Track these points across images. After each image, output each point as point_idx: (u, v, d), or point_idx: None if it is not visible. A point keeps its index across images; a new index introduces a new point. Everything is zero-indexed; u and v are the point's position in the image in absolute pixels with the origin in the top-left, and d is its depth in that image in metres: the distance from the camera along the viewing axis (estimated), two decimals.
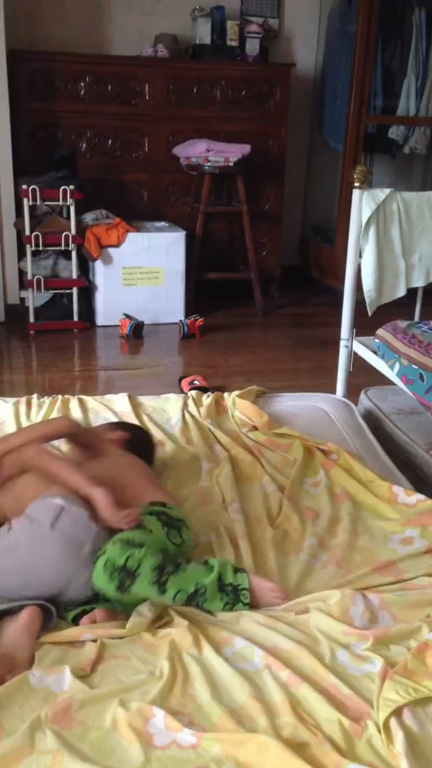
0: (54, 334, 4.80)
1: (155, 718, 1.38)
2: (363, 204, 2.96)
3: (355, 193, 2.99)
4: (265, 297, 5.44)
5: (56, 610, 1.68)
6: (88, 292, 5.07)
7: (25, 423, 2.65)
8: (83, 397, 2.87)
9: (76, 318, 4.94)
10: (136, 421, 2.64)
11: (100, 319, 5.00)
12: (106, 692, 1.45)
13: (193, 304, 5.13)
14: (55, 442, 2.27)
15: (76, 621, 1.68)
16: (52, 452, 2.05)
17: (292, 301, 5.71)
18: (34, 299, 4.85)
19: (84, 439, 2.16)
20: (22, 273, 5.06)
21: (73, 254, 4.84)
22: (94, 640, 1.60)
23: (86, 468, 1.97)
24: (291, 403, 2.93)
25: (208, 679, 1.49)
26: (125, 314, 4.88)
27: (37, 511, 1.77)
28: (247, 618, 1.68)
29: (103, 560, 1.67)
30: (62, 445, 2.30)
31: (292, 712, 1.40)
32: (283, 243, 5.85)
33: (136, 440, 2.29)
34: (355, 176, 2.96)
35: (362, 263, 3.03)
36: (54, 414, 2.72)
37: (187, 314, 5.01)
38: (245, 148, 5.16)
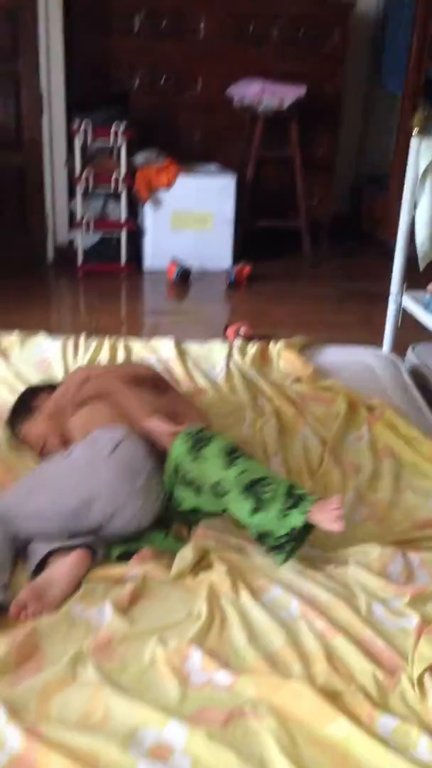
0: (102, 277, 4.81)
1: (192, 657, 1.43)
2: (421, 152, 2.87)
3: (414, 140, 2.89)
4: (314, 247, 5.35)
5: (101, 549, 1.73)
6: (136, 235, 5.05)
7: (72, 364, 2.69)
8: (129, 339, 2.88)
9: (123, 261, 4.94)
10: (180, 368, 2.66)
11: (148, 263, 4.99)
12: (145, 629, 1.50)
13: (241, 252, 5.08)
14: None
15: (119, 560, 1.73)
16: (124, 385, 2.12)
17: (342, 253, 5.60)
18: (82, 241, 4.85)
19: (157, 383, 2.25)
20: (71, 214, 5.05)
21: (123, 196, 4.81)
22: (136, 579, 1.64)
23: (156, 405, 2.03)
24: (336, 356, 2.91)
25: (245, 623, 1.53)
26: (173, 259, 4.86)
27: (99, 439, 1.85)
28: (286, 566, 1.70)
29: (185, 432, 1.80)
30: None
31: (327, 662, 1.43)
32: (335, 192, 5.71)
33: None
34: (414, 123, 2.86)
35: (416, 215, 2.95)
36: (102, 355, 2.74)
37: (235, 261, 4.96)
38: (300, 90, 5.01)
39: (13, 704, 1.29)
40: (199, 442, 1.76)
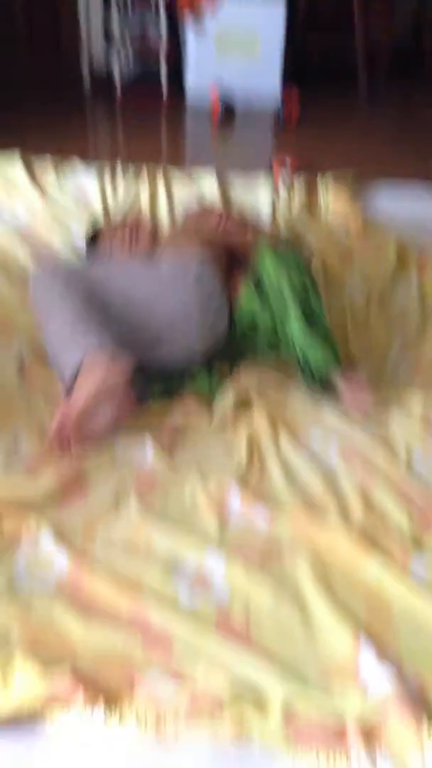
0: (141, 104, 4.54)
1: (232, 496, 1.46)
2: None
3: None
4: (370, 81, 4.95)
5: (147, 382, 1.73)
6: (178, 60, 4.71)
7: (109, 191, 2.57)
8: (169, 168, 2.74)
9: (164, 88, 4.63)
10: (220, 202, 2.54)
11: (191, 93, 4.68)
12: (186, 468, 1.52)
13: (291, 83, 4.73)
14: None
15: (161, 396, 1.73)
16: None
17: (401, 87, 5.18)
18: (120, 70, 4.53)
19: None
20: (108, 35, 4.70)
21: (162, 14, 4.43)
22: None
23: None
24: (389, 196, 2.75)
25: (284, 468, 1.55)
26: (217, 89, 4.54)
27: (189, 262, 1.87)
28: (327, 410, 1.69)
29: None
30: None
31: (363, 504, 1.45)
32: (397, 18, 5.21)
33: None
34: None
35: None
36: (139, 185, 2.62)
37: (284, 93, 4.63)
38: None
39: (60, 528, 1.34)
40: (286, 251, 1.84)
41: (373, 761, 0.99)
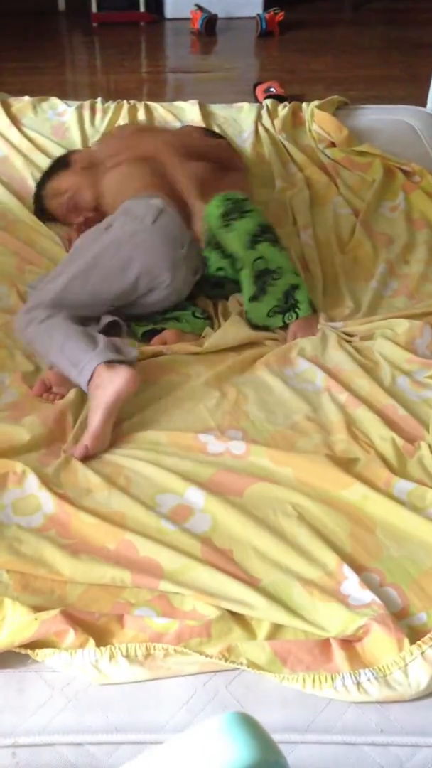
0: (119, 28, 4.37)
1: (209, 426, 1.47)
2: None
3: None
4: None
5: (128, 325, 1.73)
6: None
7: (89, 129, 2.51)
8: (150, 103, 2.67)
9: (142, 8, 4.44)
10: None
11: (169, 11, 4.49)
12: (154, 410, 1.51)
13: None
14: None
15: (145, 337, 1.73)
16: (175, 149, 2.04)
17: None
18: None
19: (217, 157, 2.13)
20: None
21: None
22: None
23: (193, 168, 1.98)
24: (375, 116, 2.67)
25: (264, 397, 1.54)
26: (197, 5, 4.35)
27: (136, 209, 1.79)
28: (313, 340, 1.69)
29: (222, 196, 1.78)
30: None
31: (347, 431, 1.46)
32: None
33: (229, 151, 2.25)
34: None
35: None
36: (120, 121, 2.56)
37: (266, 7, 4.43)
38: None
39: (42, 473, 1.36)
40: (233, 212, 1.74)
41: (358, 682, 1.03)
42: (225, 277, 1.81)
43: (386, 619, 1.08)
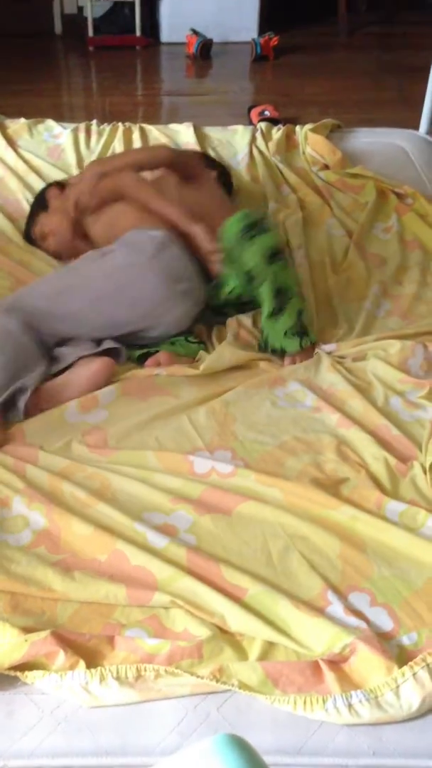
0: (115, 52, 4.42)
1: (198, 446, 1.46)
2: None
3: None
4: (349, 12, 4.80)
5: (124, 354, 1.73)
6: (152, 1, 4.56)
7: (84, 151, 2.54)
8: (145, 125, 2.70)
9: (138, 32, 4.50)
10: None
11: (165, 35, 4.55)
12: (142, 427, 1.51)
13: (268, 20, 4.58)
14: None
15: (140, 360, 1.74)
16: (147, 182, 2.02)
17: (381, 18, 5.03)
18: (93, 8, 4.39)
19: (183, 169, 2.09)
20: None
21: None
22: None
23: (183, 197, 1.96)
24: (368, 139, 2.70)
25: (253, 417, 1.54)
26: (192, 30, 4.41)
27: (138, 239, 1.78)
28: (306, 363, 1.70)
29: (243, 212, 1.77)
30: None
31: (337, 451, 1.45)
32: None
33: (225, 177, 2.24)
34: None
35: None
36: (116, 143, 2.58)
37: (261, 31, 4.49)
38: None
39: (29, 489, 1.35)
40: (255, 227, 1.73)
41: (350, 704, 1.02)
42: (236, 298, 1.80)
43: (373, 639, 1.08)
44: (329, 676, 1.04)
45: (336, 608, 1.15)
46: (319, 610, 1.14)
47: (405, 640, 1.11)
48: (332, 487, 1.37)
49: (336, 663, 1.06)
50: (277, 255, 1.73)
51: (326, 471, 1.41)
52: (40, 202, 2.13)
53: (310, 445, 1.48)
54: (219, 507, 1.33)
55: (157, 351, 1.73)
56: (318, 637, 1.10)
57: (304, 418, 1.55)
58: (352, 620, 1.13)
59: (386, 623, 1.14)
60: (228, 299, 1.82)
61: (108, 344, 1.69)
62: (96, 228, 1.98)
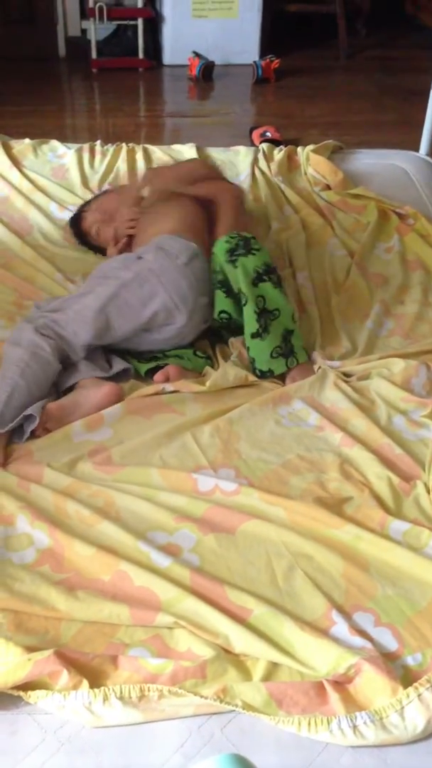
0: (118, 73, 4.47)
1: (201, 465, 1.47)
2: None
3: None
4: (350, 36, 4.86)
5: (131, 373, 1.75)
6: (154, 24, 4.62)
7: (89, 171, 2.56)
8: (148, 146, 2.72)
9: (141, 55, 4.55)
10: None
11: (167, 58, 4.60)
12: (147, 445, 1.51)
13: (269, 43, 4.64)
14: None
15: (148, 374, 1.74)
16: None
17: (381, 42, 5.10)
18: (96, 31, 4.45)
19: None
20: (83, 1, 4.60)
21: None
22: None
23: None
24: (369, 160, 2.73)
25: (257, 436, 1.54)
26: (195, 52, 4.46)
27: (171, 246, 1.82)
28: (309, 382, 1.70)
29: (228, 235, 1.81)
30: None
31: (340, 470, 1.45)
32: None
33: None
34: None
35: None
36: (119, 163, 2.61)
37: (262, 54, 4.55)
38: None
39: (33, 507, 1.35)
40: (239, 248, 1.76)
41: (354, 725, 1.02)
42: (228, 320, 1.81)
43: (377, 660, 1.07)
44: (333, 696, 1.04)
45: (340, 628, 1.15)
46: (323, 631, 1.14)
47: (410, 661, 1.11)
48: (336, 506, 1.37)
49: (341, 684, 1.06)
50: (262, 276, 1.74)
51: (330, 490, 1.41)
52: (94, 199, 2.23)
53: (314, 463, 1.48)
54: (223, 526, 1.33)
55: (166, 364, 1.73)
56: (323, 657, 1.10)
57: (308, 437, 1.55)
58: (357, 640, 1.12)
59: (391, 644, 1.13)
60: (221, 322, 1.83)
61: (118, 366, 1.71)
62: (144, 221, 2.03)
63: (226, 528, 1.33)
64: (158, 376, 1.71)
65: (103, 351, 1.75)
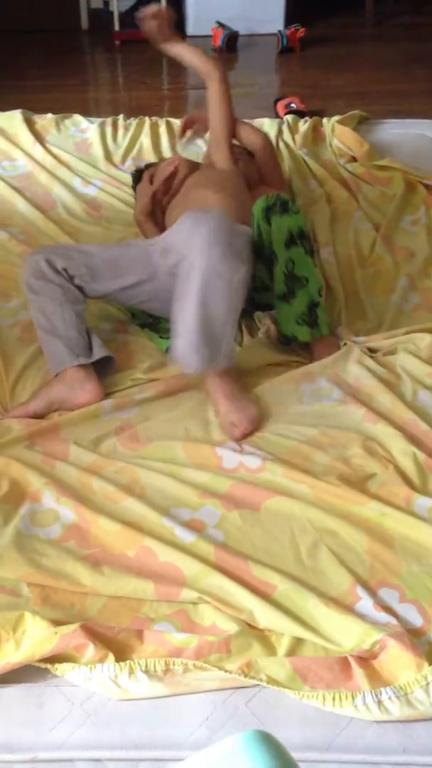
0: (141, 46, 4.36)
1: (225, 443, 1.46)
2: None
3: None
4: (377, 3, 4.74)
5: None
6: None
7: (111, 145, 2.55)
8: (172, 119, 2.70)
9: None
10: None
11: (191, 28, 4.53)
12: (172, 421, 1.51)
13: (294, 11, 4.54)
14: None
15: (168, 351, 1.72)
16: None
17: (409, 8, 4.97)
18: (118, 3, 4.39)
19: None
20: None
21: None
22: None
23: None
24: (396, 130, 2.67)
25: (279, 412, 1.53)
26: (218, 22, 4.38)
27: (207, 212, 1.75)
28: (334, 356, 1.68)
29: (266, 195, 1.79)
30: None
31: (363, 447, 1.44)
32: None
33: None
34: None
35: None
36: (142, 137, 2.58)
37: (287, 23, 4.46)
38: None
39: (59, 484, 1.36)
40: (276, 207, 1.74)
41: (379, 700, 1.02)
42: (260, 286, 1.78)
43: (403, 636, 1.07)
44: (358, 672, 1.04)
45: (365, 604, 1.15)
46: (348, 607, 1.14)
47: None
48: (360, 482, 1.36)
49: (365, 660, 1.06)
50: (296, 239, 1.71)
51: (353, 466, 1.40)
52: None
53: (337, 440, 1.47)
54: (247, 502, 1.33)
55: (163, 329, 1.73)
56: (347, 633, 1.10)
57: (331, 414, 1.54)
58: (382, 616, 1.12)
59: (416, 620, 1.13)
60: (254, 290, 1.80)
61: (99, 353, 1.64)
62: (177, 210, 1.97)
63: (250, 504, 1.33)
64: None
65: (86, 332, 1.68)
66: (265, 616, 1.13)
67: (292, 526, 1.29)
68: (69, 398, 1.57)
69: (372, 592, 1.17)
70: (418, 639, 1.09)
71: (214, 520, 1.30)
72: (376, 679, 1.04)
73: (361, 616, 1.12)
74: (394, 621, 1.11)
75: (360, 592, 1.17)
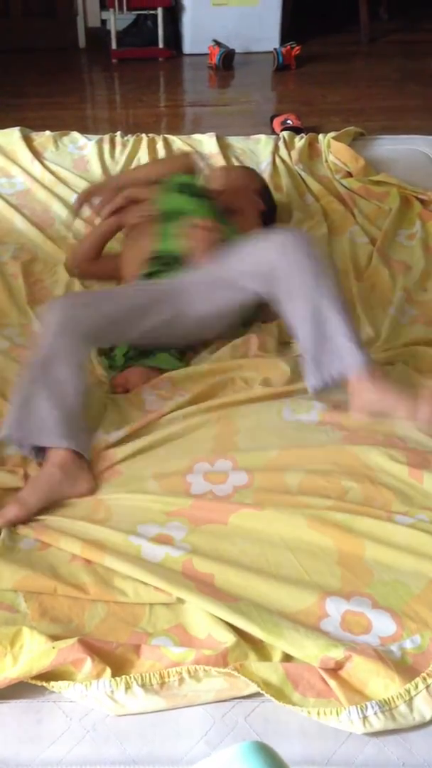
0: (138, 64, 4.46)
1: (197, 461, 1.43)
2: None
3: None
4: (372, 20, 4.80)
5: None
6: (174, 13, 4.60)
7: (109, 162, 2.57)
8: (169, 136, 2.72)
9: (161, 44, 4.54)
10: (223, 164, 2.51)
11: (188, 47, 4.58)
12: (147, 448, 1.47)
13: (289, 29, 4.60)
14: None
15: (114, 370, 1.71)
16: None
17: (403, 26, 5.03)
18: (116, 21, 4.44)
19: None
20: None
21: None
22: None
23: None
24: (391, 146, 2.70)
25: (256, 426, 1.50)
26: (215, 41, 4.43)
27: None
28: None
29: None
30: None
31: (342, 462, 1.40)
32: None
33: (268, 215, 2.16)
34: None
35: None
36: (140, 154, 2.61)
37: (283, 41, 4.51)
38: None
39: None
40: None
41: (364, 716, 1.01)
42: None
43: (368, 649, 1.06)
44: (331, 683, 1.03)
45: (332, 621, 1.13)
46: (313, 624, 1.12)
47: (408, 644, 1.10)
48: (337, 498, 1.33)
49: (334, 671, 1.05)
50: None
51: (331, 482, 1.37)
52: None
53: (314, 455, 1.43)
54: (214, 515, 1.31)
55: (144, 363, 1.70)
56: (313, 644, 1.07)
57: (309, 429, 1.49)
58: (347, 636, 1.11)
59: (389, 626, 1.12)
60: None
61: (73, 445, 1.41)
62: (129, 255, 1.99)
63: (219, 517, 1.31)
64: (118, 379, 1.67)
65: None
66: (230, 619, 1.12)
67: (261, 537, 1.27)
68: (66, 491, 1.38)
69: (343, 602, 1.15)
70: (392, 645, 1.09)
71: (180, 536, 1.28)
72: (348, 689, 1.03)
73: (325, 633, 1.11)
74: (360, 639, 1.10)
75: (329, 606, 1.15)
